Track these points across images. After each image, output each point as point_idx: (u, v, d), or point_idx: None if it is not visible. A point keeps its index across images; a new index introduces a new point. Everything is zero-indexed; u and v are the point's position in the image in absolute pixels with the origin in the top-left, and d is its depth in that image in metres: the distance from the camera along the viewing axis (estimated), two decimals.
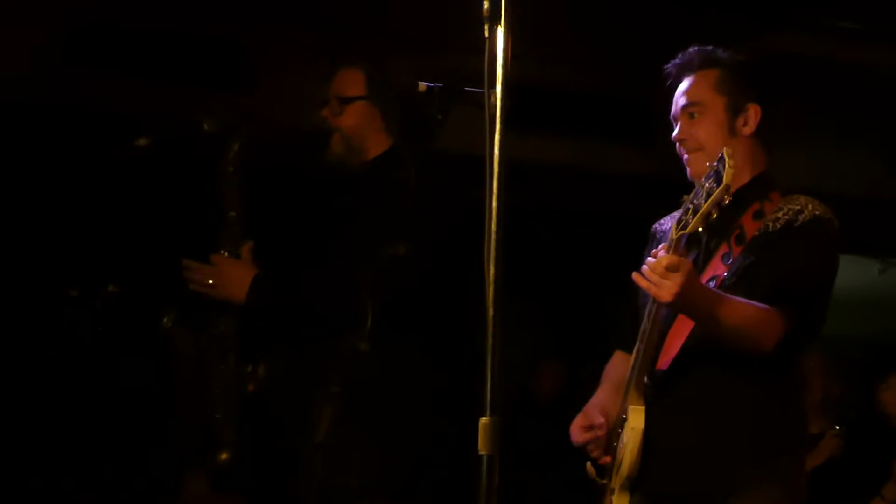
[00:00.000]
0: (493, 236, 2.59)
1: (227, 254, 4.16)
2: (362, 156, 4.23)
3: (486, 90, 2.75)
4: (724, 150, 3.13)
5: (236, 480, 4.14)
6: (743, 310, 3.41)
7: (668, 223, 3.79)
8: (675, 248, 3.30)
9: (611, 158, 7.59)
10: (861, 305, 8.24)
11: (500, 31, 2.73)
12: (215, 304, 4.16)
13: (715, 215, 3.18)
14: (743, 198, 3.60)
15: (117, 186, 6.70)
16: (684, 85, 3.73)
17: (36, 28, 6.80)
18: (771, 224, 3.57)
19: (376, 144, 4.22)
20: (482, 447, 2.56)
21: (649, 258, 3.34)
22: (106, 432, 6.66)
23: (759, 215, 3.62)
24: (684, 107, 3.71)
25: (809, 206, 3.58)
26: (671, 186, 3.61)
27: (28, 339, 6.58)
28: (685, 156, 3.71)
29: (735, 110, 3.67)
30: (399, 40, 5.89)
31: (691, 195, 3.26)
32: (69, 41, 6.87)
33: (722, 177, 3.09)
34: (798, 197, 3.62)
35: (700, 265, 3.61)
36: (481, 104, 2.77)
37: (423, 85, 3.58)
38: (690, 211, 3.23)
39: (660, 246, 3.38)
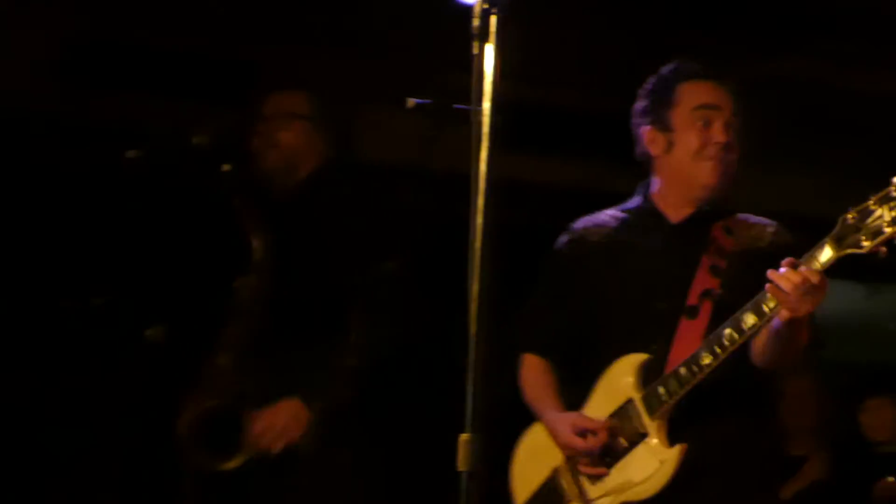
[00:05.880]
0: (477, 253, 2.60)
1: None
2: (296, 173, 4.28)
3: (473, 107, 2.75)
4: None
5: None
6: None
7: (601, 220, 3.87)
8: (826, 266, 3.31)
9: (611, 180, 7.57)
10: (848, 330, 8.22)
11: (489, 49, 2.74)
12: (209, 317, 4.16)
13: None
14: (712, 213, 3.72)
15: (112, 199, 6.69)
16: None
17: (37, 43, 6.79)
18: (742, 240, 3.68)
19: (310, 162, 4.27)
20: (461, 464, 2.56)
21: (797, 270, 3.28)
22: (100, 440, 6.65)
23: (728, 230, 3.71)
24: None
25: (769, 228, 3.73)
26: None
27: (21, 350, 6.57)
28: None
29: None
30: (395, 58, 5.89)
31: (857, 214, 3.24)
32: (70, 56, 6.86)
33: None
34: (748, 215, 3.76)
35: (681, 276, 3.65)
36: (470, 122, 2.78)
37: (412, 101, 3.60)
38: (863, 231, 3.22)
39: (810, 260, 3.32)
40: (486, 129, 2.71)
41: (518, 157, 3.49)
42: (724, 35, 6.27)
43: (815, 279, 3.25)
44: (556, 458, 3.70)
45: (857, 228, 3.22)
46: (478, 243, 2.59)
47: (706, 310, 3.60)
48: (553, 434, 3.70)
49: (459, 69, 2.97)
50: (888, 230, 3.15)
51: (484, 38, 2.76)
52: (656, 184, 3.82)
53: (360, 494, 3.94)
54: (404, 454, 4.03)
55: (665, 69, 3.85)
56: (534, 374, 3.84)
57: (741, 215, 3.77)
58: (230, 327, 4.16)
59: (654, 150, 3.79)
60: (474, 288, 2.56)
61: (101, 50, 6.84)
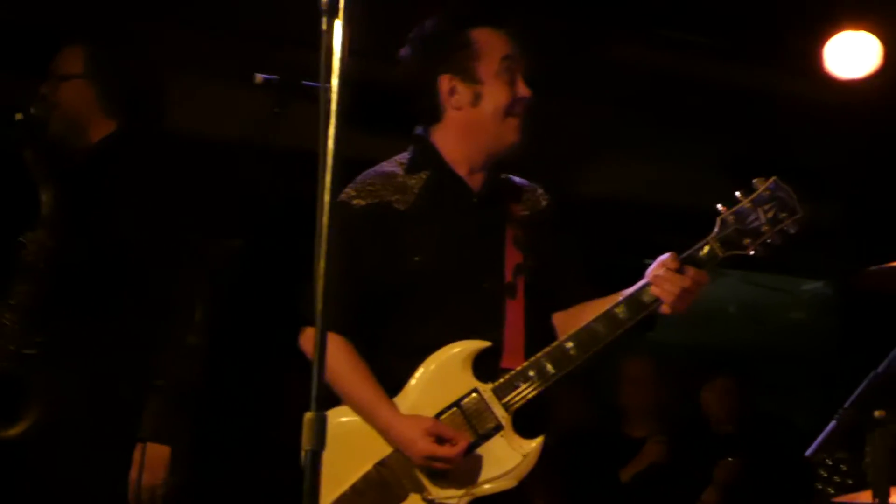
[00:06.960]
0: (324, 231, 2.57)
1: None
2: (84, 137, 4.17)
3: (321, 84, 2.73)
4: (775, 178, 3.38)
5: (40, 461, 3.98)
6: None
7: (398, 182, 3.62)
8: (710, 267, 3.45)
9: None
10: (689, 313, 8.36)
11: (338, 25, 2.71)
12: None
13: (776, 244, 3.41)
14: (504, 177, 3.69)
15: None
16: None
17: None
18: (528, 204, 3.68)
19: (99, 126, 4.17)
20: (306, 442, 2.53)
21: (684, 275, 3.43)
22: None
23: (514, 195, 3.68)
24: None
25: (538, 190, 3.73)
26: None
27: None
28: None
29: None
30: (243, 34, 5.82)
31: (734, 215, 3.41)
32: None
33: (794, 207, 3.38)
34: (511, 177, 3.72)
35: (495, 250, 3.59)
36: (318, 98, 2.75)
37: (259, 77, 3.55)
38: (743, 232, 3.41)
39: (694, 260, 3.46)
40: (334, 105, 2.68)
41: (364, 135, 3.44)
42: (572, 19, 6.32)
43: (705, 280, 3.43)
44: (377, 451, 3.48)
45: (738, 230, 3.37)
46: (325, 220, 2.57)
47: (521, 286, 3.55)
48: (400, 439, 3.44)
49: (307, 45, 2.94)
50: (766, 230, 3.38)
51: (333, 13, 2.73)
52: (445, 141, 3.64)
53: (198, 476, 3.90)
54: (248, 435, 3.99)
55: (448, 13, 3.65)
56: (342, 358, 3.48)
57: (509, 177, 3.72)
58: (17, 285, 3.98)
59: (455, 102, 3.58)
60: (321, 265, 2.54)
61: None
